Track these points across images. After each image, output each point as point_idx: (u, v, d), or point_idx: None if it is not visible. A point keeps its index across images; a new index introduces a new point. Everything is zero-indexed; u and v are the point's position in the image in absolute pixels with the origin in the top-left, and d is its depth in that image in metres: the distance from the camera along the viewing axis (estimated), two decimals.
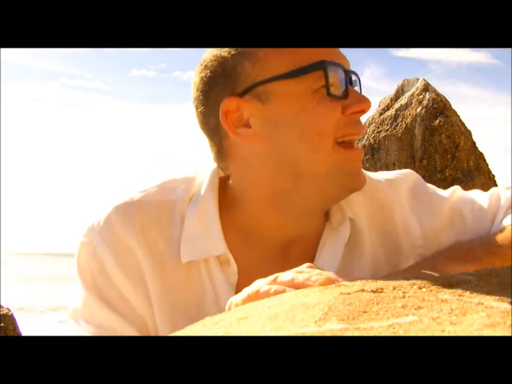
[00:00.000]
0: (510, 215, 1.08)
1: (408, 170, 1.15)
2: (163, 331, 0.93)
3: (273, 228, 0.98)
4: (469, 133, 3.50)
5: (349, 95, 0.93)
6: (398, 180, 1.11)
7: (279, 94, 0.92)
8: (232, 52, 0.93)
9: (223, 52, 0.94)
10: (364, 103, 0.93)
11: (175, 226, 0.96)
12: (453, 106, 3.50)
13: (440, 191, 1.14)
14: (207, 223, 0.96)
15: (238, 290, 0.88)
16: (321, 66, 0.90)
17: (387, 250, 1.05)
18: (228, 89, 0.94)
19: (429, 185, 1.14)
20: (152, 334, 0.95)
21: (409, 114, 3.43)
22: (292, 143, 0.92)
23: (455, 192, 1.13)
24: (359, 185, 0.96)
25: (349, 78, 0.95)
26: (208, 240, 0.95)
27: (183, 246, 0.95)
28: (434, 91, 3.46)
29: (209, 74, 0.95)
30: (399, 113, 3.48)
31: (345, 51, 0.97)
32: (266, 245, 0.99)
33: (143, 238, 0.94)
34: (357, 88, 0.98)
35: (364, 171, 1.05)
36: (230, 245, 0.96)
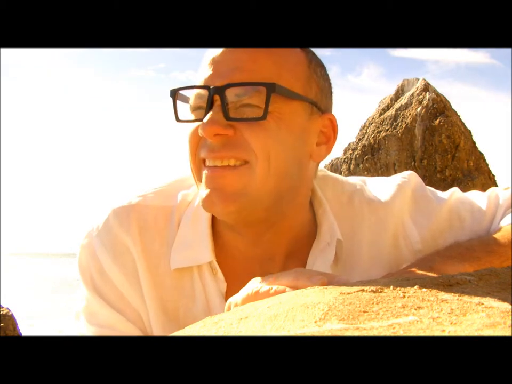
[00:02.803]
0: (509, 215, 1.08)
1: (409, 172, 1.14)
2: (156, 328, 0.95)
3: (239, 239, 0.97)
4: (469, 133, 3.50)
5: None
6: (404, 185, 1.09)
7: None
8: None
9: None
10: (201, 128, 0.88)
11: (172, 229, 0.98)
12: (452, 106, 3.50)
13: (439, 193, 1.13)
14: (198, 231, 0.97)
15: (227, 298, 0.90)
16: (172, 93, 0.92)
17: (385, 269, 1.03)
18: None
19: (428, 187, 1.14)
20: (148, 330, 0.97)
21: (409, 114, 3.43)
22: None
23: (454, 194, 1.13)
24: (205, 206, 0.91)
25: (223, 96, 0.86)
26: (197, 248, 0.96)
27: (174, 252, 0.96)
28: (434, 91, 3.46)
29: None
30: (399, 113, 3.48)
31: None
32: (250, 260, 0.97)
33: (139, 239, 0.96)
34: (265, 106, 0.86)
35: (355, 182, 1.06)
36: (219, 254, 0.97)
